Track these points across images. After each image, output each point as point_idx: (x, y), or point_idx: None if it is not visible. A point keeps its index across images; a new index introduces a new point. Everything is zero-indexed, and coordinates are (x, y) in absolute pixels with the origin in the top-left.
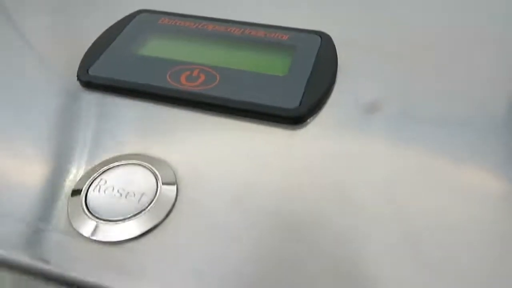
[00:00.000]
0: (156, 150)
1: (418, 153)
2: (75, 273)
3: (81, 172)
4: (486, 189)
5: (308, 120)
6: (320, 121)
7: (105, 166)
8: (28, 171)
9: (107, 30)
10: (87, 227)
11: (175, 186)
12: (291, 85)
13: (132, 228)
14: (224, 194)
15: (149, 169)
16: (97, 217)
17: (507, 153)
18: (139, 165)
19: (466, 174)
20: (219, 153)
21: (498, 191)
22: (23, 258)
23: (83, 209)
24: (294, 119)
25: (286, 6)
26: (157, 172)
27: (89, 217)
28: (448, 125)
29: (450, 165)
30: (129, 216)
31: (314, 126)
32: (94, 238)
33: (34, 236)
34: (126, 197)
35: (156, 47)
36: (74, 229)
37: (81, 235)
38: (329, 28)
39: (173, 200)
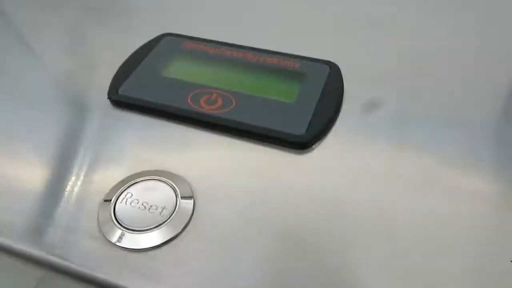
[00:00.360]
0: (175, 167)
1: (418, 179)
2: (101, 274)
3: (111, 184)
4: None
5: (314, 146)
6: (324, 147)
7: (131, 180)
8: (62, 181)
9: (135, 52)
10: (114, 234)
11: (192, 200)
12: (300, 112)
13: (154, 238)
14: (235, 208)
15: (169, 185)
16: (123, 226)
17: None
18: (160, 180)
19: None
20: (232, 171)
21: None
22: (55, 258)
23: (111, 218)
24: (301, 144)
25: (300, 35)
26: (176, 187)
27: (116, 225)
28: (448, 154)
29: (451, 191)
30: (151, 227)
31: (318, 152)
32: (119, 244)
33: (67, 239)
34: (149, 210)
35: (179, 70)
36: (103, 235)
37: (109, 241)
38: (338, 57)
39: (190, 212)
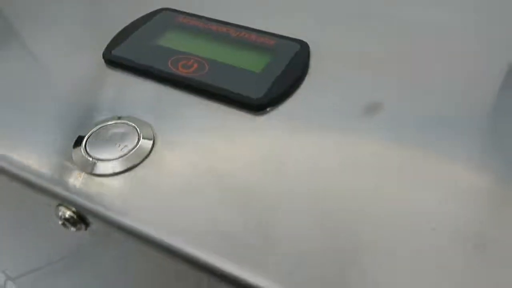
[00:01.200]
0: (145, 115)
1: (371, 146)
2: (77, 197)
3: (88, 124)
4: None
5: (268, 110)
6: (278, 112)
7: (105, 122)
8: (52, 121)
9: (133, 22)
10: (86, 163)
11: (152, 141)
12: (262, 80)
13: (116, 166)
14: (189, 157)
15: (134, 127)
16: (92, 157)
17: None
18: (128, 124)
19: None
20: (194, 126)
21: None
22: (41, 180)
23: (84, 150)
24: (255, 107)
25: (283, 16)
26: (139, 130)
27: (86, 156)
28: (406, 124)
29: (407, 158)
30: (115, 158)
31: (272, 116)
32: (90, 172)
33: (54, 166)
34: (115, 145)
35: (167, 39)
36: (75, 165)
37: (82, 169)
38: (311, 37)
39: (148, 151)
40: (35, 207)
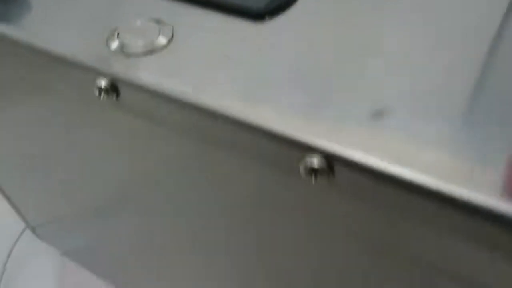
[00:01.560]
0: (164, 17)
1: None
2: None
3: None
4: None
5: (267, 18)
6: (276, 21)
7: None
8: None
9: None
10: (120, 46)
11: (171, 35)
12: None
13: (145, 49)
14: (199, 49)
15: (157, 26)
16: (124, 42)
17: None
18: (151, 21)
19: None
20: (200, 28)
21: None
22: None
23: (118, 39)
24: (255, 15)
25: None
26: (161, 28)
27: (118, 40)
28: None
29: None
30: (141, 46)
31: (271, 24)
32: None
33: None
34: (142, 35)
35: None
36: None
37: (117, 52)
38: None
39: (166, 42)
40: (73, 83)
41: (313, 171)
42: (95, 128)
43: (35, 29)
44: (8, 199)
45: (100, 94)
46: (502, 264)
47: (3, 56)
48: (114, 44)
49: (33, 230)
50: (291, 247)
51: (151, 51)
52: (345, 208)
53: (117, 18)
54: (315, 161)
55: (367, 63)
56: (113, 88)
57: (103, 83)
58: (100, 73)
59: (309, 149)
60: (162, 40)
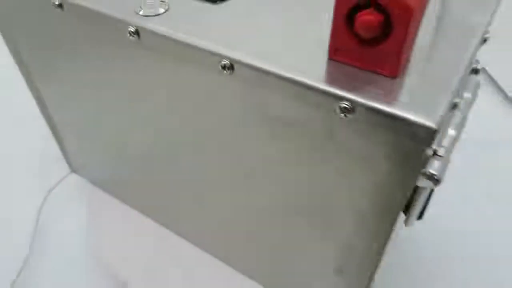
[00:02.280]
0: None
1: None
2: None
3: None
4: None
5: (218, 2)
6: (226, 4)
7: None
8: None
9: None
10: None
11: (167, 10)
12: None
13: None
14: (181, 15)
15: (161, 2)
16: (144, 11)
17: None
18: (160, 1)
19: None
20: (183, 6)
21: None
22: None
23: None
24: (212, 1)
25: None
26: (162, 4)
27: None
28: None
29: None
30: (153, 13)
31: (222, 5)
32: (143, 14)
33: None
34: (153, 7)
35: None
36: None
37: (139, 15)
38: None
39: (163, 11)
40: (116, 31)
41: (224, 67)
42: (126, 62)
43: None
44: (60, 142)
45: (130, 35)
46: (316, 113)
47: (75, 18)
48: (138, 11)
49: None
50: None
51: (157, 15)
52: (240, 89)
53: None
54: (225, 62)
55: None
56: (136, 32)
57: (131, 29)
58: (130, 24)
59: (224, 56)
60: (162, 10)
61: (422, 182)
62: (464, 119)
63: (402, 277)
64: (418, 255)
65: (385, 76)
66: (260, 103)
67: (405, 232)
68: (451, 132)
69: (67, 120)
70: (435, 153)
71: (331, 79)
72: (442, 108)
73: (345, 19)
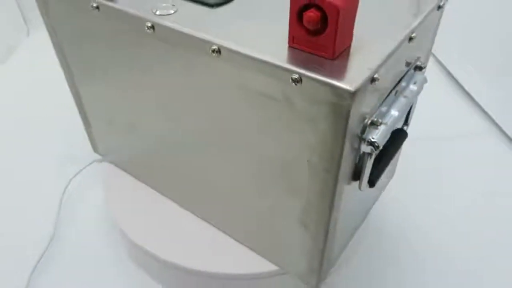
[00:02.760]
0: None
1: None
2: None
3: None
4: None
5: (215, 7)
6: (223, 8)
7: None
8: None
9: None
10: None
11: (176, 11)
12: None
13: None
14: (185, 15)
15: (171, 5)
16: (158, 12)
17: None
18: (170, 4)
19: None
20: (187, 9)
21: None
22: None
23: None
24: (211, 5)
25: None
26: (172, 6)
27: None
28: None
29: None
30: (165, 13)
31: (220, 9)
32: (158, 14)
33: None
34: (165, 9)
35: None
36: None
37: (155, 14)
38: None
39: (173, 12)
40: (135, 27)
41: (214, 51)
42: (143, 52)
43: (122, 3)
44: (89, 127)
45: (147, 29)
46: (279, 85)
47: (108, 17)
48: (155, 11)
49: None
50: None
51: (168, 15)
52: (226, 68)
53: (156, 3)
54: (214, 47)
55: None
56: (152, 27)
57: (149, 24)
58: (148, 20)
59: (213, 43)
60: (172, 11)
61: (364, 148)
62: (408, 105)
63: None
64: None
65: (325, 58)
66: (241, 79)
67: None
68: (394, 112)
69: (97, 108)
70: (373, 123)
71: (288, 59)
72: (361, 79)
73: (296, 16)
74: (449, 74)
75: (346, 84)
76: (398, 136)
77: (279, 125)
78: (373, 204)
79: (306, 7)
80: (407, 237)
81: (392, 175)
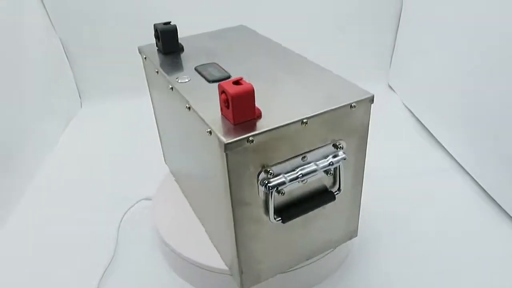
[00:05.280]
0: None
1: None
2: None
3: None
4: None
5: (215, 83)
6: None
7: None
8: None
9: None
10: None
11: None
12: None
13: None
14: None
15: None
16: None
17: None
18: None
19: None
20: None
21: None
22: None
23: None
24: (209, 81)
25: None
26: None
27: None
28: None
29: None
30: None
31: (215, 85)
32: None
33: None
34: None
35: None
36: None
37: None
38: None
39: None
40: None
41: (187, 108)
42: (169, 100)
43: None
44: (161, 142)
45: (171, 89)
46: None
47: (171, 92)
48: (177, 80)
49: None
50: None
51: (183, 82)
52: (193, 119)
53: (181, 76)
54: (188, 106)
55: None
56: (172, 88)
57: (170, 86)
58: (171, 84)
59: (188, 102)
60: (186, 81)
61: (261, 188)
62: (319, 171)
63: None
64: None
65: (230, 123)
66: (198, 126)
67: None
68: (295, 171)
69: (160, 128)
70: (266, 171)
71: (213, 120)
72: (236, 138)
73: (220, 96)
74: (419, 121)
75: (224, 138)
76: (322, 195)
77: (209, 155)
78: (326, 250)
79: (223, 92)
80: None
81: (349, 230)
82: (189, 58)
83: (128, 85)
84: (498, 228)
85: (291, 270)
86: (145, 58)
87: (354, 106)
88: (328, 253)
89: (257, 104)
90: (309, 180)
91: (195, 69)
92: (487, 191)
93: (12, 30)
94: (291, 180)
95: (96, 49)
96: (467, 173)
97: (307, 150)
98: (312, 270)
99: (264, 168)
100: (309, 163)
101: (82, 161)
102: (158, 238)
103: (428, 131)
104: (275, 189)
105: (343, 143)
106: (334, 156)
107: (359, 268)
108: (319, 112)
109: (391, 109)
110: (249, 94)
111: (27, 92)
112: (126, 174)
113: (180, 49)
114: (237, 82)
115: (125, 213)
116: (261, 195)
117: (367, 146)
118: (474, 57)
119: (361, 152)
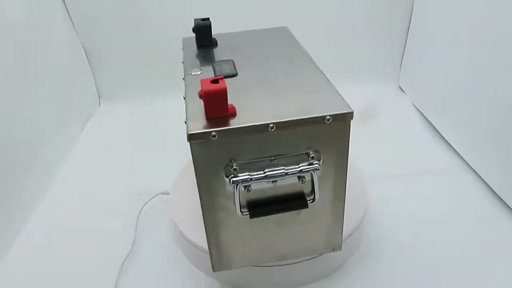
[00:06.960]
0: None
1: None
2: None
3: None
4: None
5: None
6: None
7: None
8: None
9: None
10: None
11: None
12: None
13: None
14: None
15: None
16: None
17: None
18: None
19: None
20: None
21: None
22: None
23: None
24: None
25: None
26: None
27: None
28: None
29: None
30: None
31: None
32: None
33: None
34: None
35: None
36: None
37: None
38: None
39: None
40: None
41: (184, 98)
42: None
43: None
44: None
45: (183, 78)
46: None
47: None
48: (191, 72)
49: None
50: None
51: (195, 74)
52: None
53: (195, 69)
54: (184, 96)
55: None
56: (183, 78)
57: (183, 76)
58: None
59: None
60: (198, 73)
61: (228, 183)
62: (287, 175)
63: None
64: None
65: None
66: None
67: None
68: (262, 171)
69: None
70: (231, 166)
71: (198, 114)
72: (200, 130)
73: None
74: (428, 122)
75: (189, 129)
76: (294, 201)
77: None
78: (306, 255)
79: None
80: None
81: (329, 243)
82: (217, 54)
83: (145, 84)
84: (507, 228)
85: (288, 264)
86: (182, 48)
87: (329, 120)
88: (315, 257)
89: (238, 104)
90: (282, 184)
91: (212, 64)
92: (496, 192)
93: (36, 34)
94: (257, 179)
95: (115, 49)
96: (476, 173)
97: (276, 154)
98: (312, 265)
99: (230, 163)
100: (278, 166)
101: (101, 157)
102: (176, 230)
103: (438, 132)
104: (239, 184)
105: (317, 155)
106: (309, 165)
107: (363, 266)
108: (286, 119)
109: (401, 110)
110: (221, 94)
111: (48, 92)
112: (143, 170)
113: (214, 44)
114: (215, 81)
115: (142, 207)
116: (229, 188)
117: (378, 148)
118: (484, 59)
119: (341, 170)
